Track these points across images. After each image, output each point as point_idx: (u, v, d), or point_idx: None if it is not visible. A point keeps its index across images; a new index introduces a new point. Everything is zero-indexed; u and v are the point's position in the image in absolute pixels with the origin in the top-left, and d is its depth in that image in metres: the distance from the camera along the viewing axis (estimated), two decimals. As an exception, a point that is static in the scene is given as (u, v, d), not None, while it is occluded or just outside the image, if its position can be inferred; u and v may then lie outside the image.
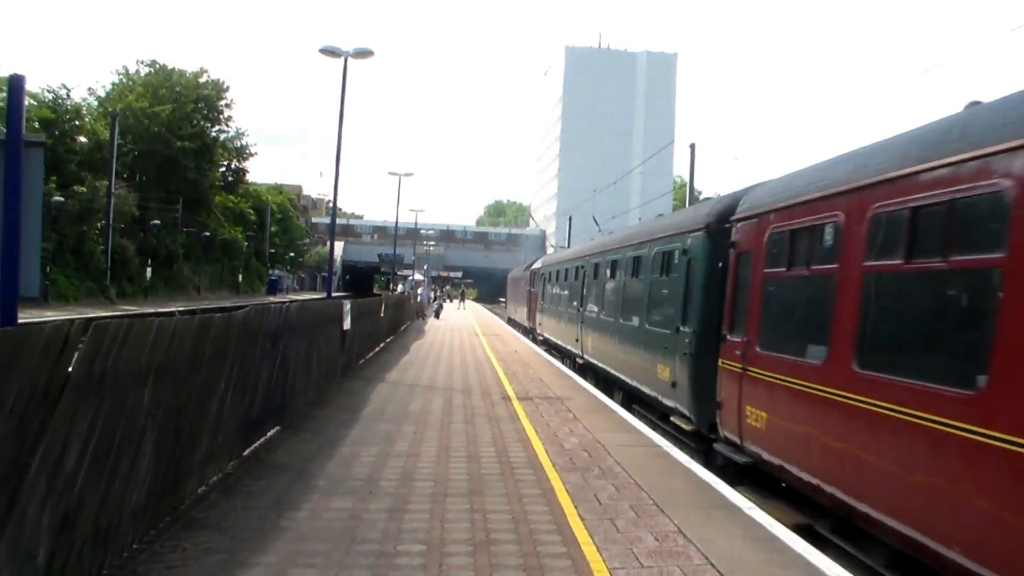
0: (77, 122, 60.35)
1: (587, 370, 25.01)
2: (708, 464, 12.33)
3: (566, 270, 31.60)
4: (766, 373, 10.77)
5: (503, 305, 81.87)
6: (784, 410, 10.20)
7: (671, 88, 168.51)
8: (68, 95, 59.64)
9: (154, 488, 7.21)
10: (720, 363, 12.51)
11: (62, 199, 49.64)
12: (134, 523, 6.85)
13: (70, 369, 5.34)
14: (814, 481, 9.14)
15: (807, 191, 10.19)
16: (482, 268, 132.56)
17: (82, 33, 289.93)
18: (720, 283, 13.08)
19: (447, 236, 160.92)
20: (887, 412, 7.62)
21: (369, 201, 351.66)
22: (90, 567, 6.00)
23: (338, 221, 38.14)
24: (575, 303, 28.35)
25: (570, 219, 74.06)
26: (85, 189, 55.46)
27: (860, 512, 8.17)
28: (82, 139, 60.78)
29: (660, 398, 15.96)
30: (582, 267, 27.64)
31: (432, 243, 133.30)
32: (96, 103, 70.60)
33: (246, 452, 10.76)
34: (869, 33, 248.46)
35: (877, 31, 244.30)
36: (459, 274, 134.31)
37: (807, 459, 9.37)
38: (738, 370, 11.69)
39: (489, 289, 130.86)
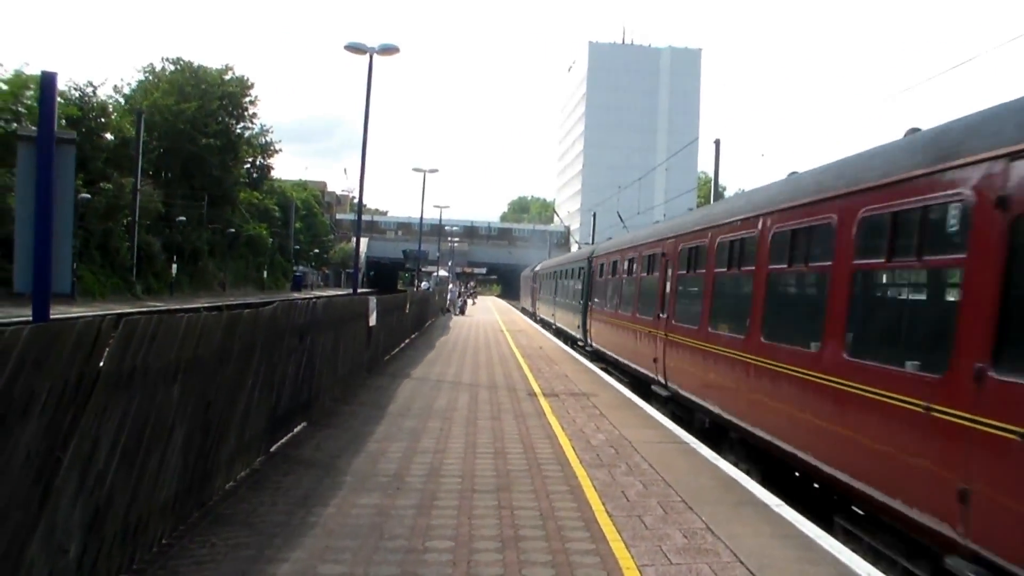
0: (103, 119, 60.66)
1: (560, 333, 40.21)
2: (587, 356, 27.76)
3: (549, 273, 48.87)
4: (595, 313, 27.51)
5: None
6: (601, 327, 26.21)
7: (695, 83, 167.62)
8: (95, 92, 59.98)
9: (183, 483, 7.24)
10: (587, 314, 29.90)
11: (88, 196, 49.96)
12: (163, 518, 6.88)
13: (101, 364, 5.36)
14: (609, 353, 24.57)
15: (607, 250, 26.89)
16: (506, 264, 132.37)
17: (105, 28, 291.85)
18: (590, 283, 29.89)
19: (471, 232, 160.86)
20: (619, 323, 22.95)
21: (394, 197, 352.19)
22: (120, 562, 6.03)
23: (363, 217, 38.17)
24: (552, 293, 45.05)
25: (594, 215, 73.85)
26: (111, 186, 55.82)
27: (623, 363, 22.01)
28: (108, 136, 61.14)
29: (576, 335, 33.68)
30: (555, 272, 44.92)
31: (456, 239, 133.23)
32: (122, 100, 70.99)
33: (273, 448, 10.80)
34: (899, 27, 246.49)
35: (908, 25, 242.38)
36: (483, 270, 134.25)
37: (606, 344, 25.32)
38: (590, 316, 29.05)
39: (513, 285, 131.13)
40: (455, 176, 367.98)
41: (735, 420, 12.25)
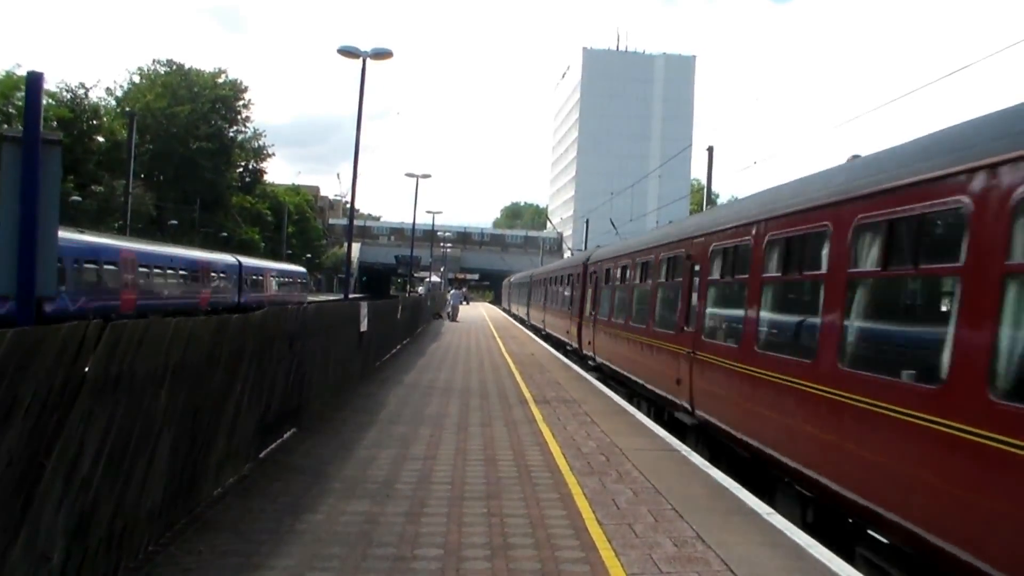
0: (95, 122, 60.55)
1: (522, 321, 58.06)
2: (529, 329, 49.58)
3: (516, 283, 71.19)
4: (532, 306, 51.87)
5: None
6: (534, 312, 49.87)
7: (689, 90, 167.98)
8: (86, 94, 59.86)
9: (170, 490, 7.17)
10: (529, 306, 53.64)
11: (80, 199, 49.83)
12: (150, 525, 6.81)
13: (87, 370, 5.30)
14: (535, 324, 48.05)
15: (540, 273, 49.75)
16: (499, 270, 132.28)
17: (98, 29, 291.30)
18: (530, 290, 53.46)
19: (464, 238, 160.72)
20: (538, 308, 47.68)
21: (386, 202, 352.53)
22: (105, 569, 5.96)
23: (355, 222, 38.11)
24: (517, 296, 66.66)
25: (587, 222, 73.93)
26: (103, 189, 55.67)
27: (535, 325, 47.66)
28: (100, 139, 61.04)
29: (524, 318, 57.39)
30: (519, 283, 67.31)
31: (449, 245, 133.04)
32: (114, 103, 70.90)
33: (262, 454, 10.73)
34: (892, 34, 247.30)
35: (900, 32, 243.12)
36: (476, 276, 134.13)
37: (535, 320, 48.53)
38: (530, 307, 52.67)
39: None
40: (448, 182, 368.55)
41: (543, 329, 42.42)
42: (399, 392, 18.26)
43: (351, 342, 18.05)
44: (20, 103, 48.18)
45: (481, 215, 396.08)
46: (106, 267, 35.18)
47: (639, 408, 17.67)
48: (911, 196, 7.54)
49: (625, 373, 20.29)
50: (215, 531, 7.57)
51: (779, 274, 10.74)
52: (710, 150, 40.83)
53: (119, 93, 74.38)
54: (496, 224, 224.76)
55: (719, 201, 75.23)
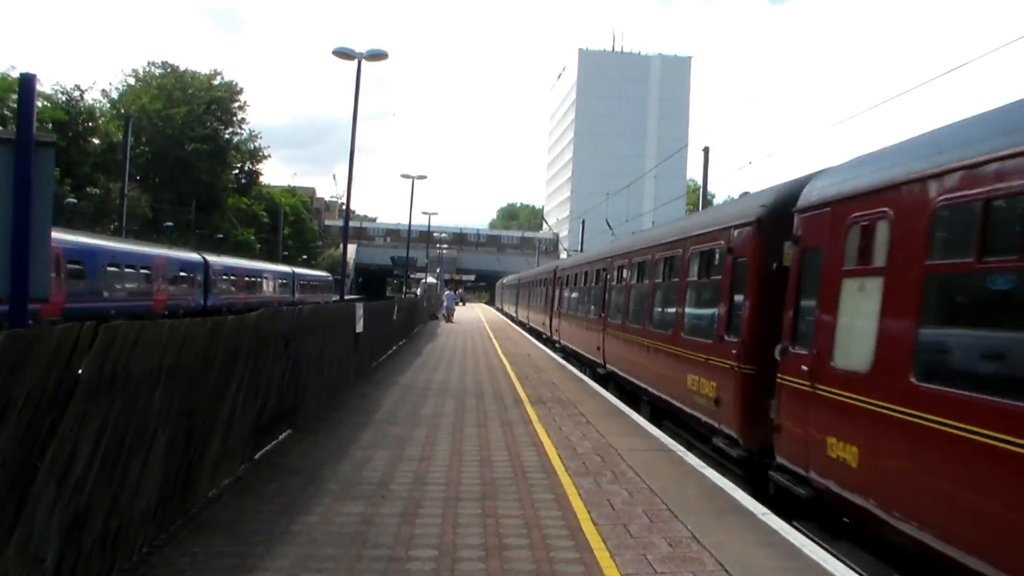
0: (91, 124, 60.45)
1: (511, 317, 66.04)
2: (515, 323, 60.75)
3: (508, 285, 76.78)
4: (519, 303, 60.61)
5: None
6: (520, 309, 59.31)
7: (685, 91, 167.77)
8: (82, 97, 59.76)
9: (165, 491, 7.17)
10: (517, 303, 63.07)
11: (75, 201, 49.72)
12: (144, 526, 6.81)
13: (80, 371, 5.29)
14: (519, 318, 59.37)
15: (525, 278, 60.00)
16: (495, 271, 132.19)
17: (94, 30, 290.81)
18: (517, 291, 64.09)
19: (460, 239, 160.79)
20: (522, 304, 58.99)
21: (382, 204, 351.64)
22: (99, 571, 5.95)
23: (351, 224, 38.19)
24: (509, 297, 73.15)
25: (583, 222, 73.94)
26: (98, 191, 55.57)
27: (520, 319, 58.93)
28: (95, 141, 60.95)
29: (512, 314, 66.89)
30: (510, 285, 74.26)
31: (445, 246, 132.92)
32: (109, 105, 70.82)
33: (257, 455, 10.73)
34: (888, 33, 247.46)
35: (896, 31, 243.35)
36: (472, 277, 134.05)
37: (520, 316, 58.77)
38: (517, 305, 63.07)
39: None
40: (444, 183, 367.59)
41: (527, 323, 51.95)
42: (395, 393, 18.25)
43: (347, 343, 18.05)
44: (15, 105, 48.16)
45: (477, 216, 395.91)
46: (232, 277, 57.22)
47: (584, 372, 25.11)
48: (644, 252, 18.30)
49: (573, 347, 29.37)
50: (210, 532, 7.56)
51: (634, 282, 19.38)
52: (706, 150, 40.82)
53: (114, 95, 74.36)
54: (492, 225, 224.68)
55: (715, 201, 75.34)
